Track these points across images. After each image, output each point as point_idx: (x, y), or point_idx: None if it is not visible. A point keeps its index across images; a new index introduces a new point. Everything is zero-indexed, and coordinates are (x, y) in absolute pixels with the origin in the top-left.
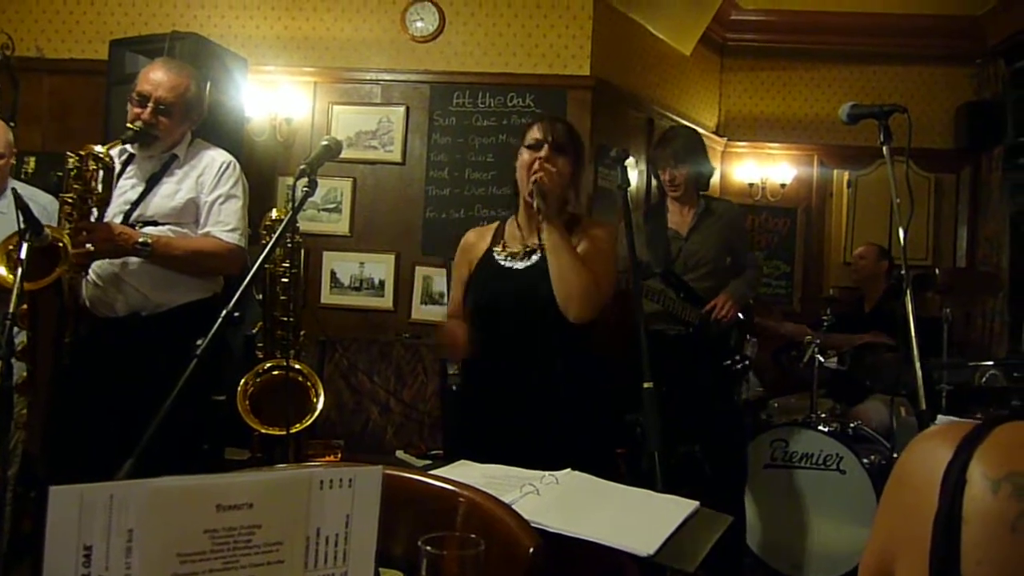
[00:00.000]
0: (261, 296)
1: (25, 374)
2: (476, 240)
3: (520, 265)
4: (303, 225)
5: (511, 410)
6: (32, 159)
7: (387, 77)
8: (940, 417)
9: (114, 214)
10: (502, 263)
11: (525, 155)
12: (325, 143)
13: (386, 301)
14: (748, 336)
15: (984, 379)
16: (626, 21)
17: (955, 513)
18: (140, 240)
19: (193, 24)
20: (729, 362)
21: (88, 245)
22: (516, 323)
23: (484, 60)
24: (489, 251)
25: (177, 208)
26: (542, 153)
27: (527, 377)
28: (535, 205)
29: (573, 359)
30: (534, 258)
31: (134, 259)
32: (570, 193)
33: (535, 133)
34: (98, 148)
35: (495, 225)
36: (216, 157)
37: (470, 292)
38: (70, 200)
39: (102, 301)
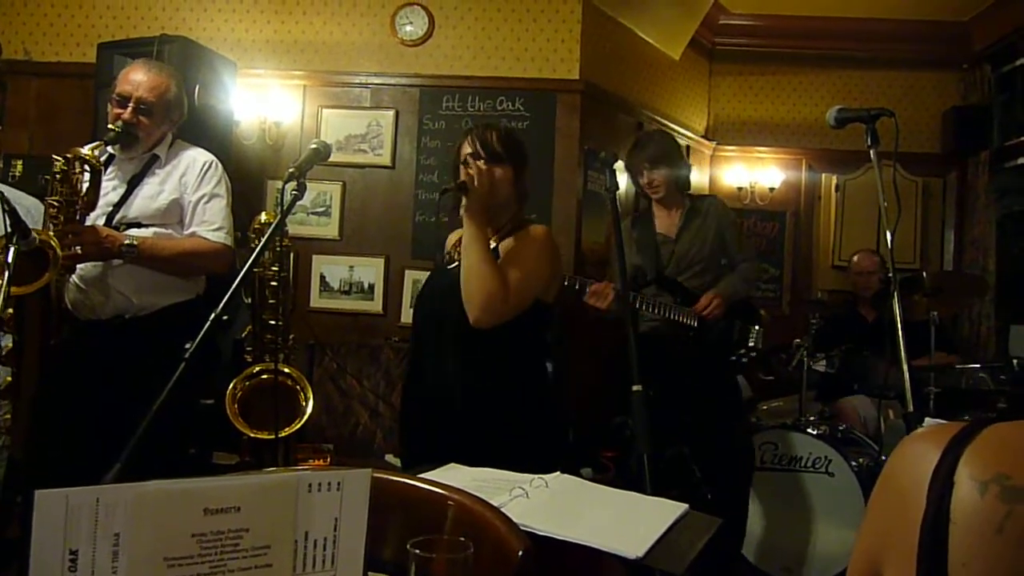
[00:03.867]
0: (250, 300)
1: (9, 378)
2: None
3: (452, 265)
4: (292, 229)
5: (464, 414)
6: (19, 163)
7: (376, 81)
8: (928, 420)
9: (96, 216)
10: (444, 265)
11: (462, 171)
12: (314, 146)
13: (375, 305)
14: (753, 326)
15: (971, 382)
16: (615, 25)
17: (942, 515)
18: (126, 242)
19: (182, 27)
20: (734, 357)
21: (76, 248)
22: (440, 323)
23: (473, 64)
24: (438, 259)
25: (161, 209)
26: (474, 169)
27: (481, 379)
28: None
29: (521, 356)
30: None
31: (118, 261)
32: (513, 198)
33: (466, 148)
34: (84, 150)
35: None
36: (197, 157)
37: (418, 299)
38: (56, 203)
39: (85, 304)
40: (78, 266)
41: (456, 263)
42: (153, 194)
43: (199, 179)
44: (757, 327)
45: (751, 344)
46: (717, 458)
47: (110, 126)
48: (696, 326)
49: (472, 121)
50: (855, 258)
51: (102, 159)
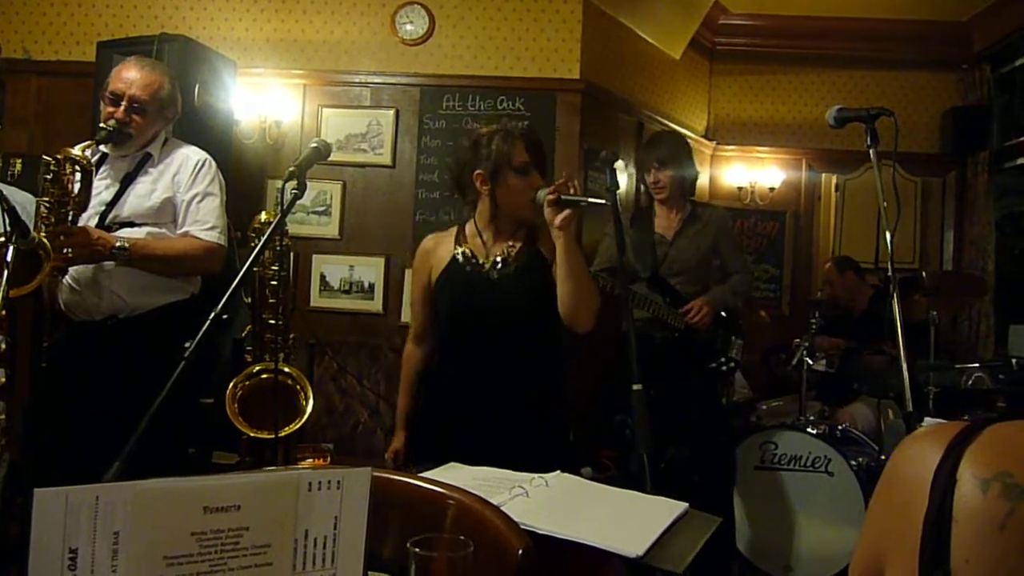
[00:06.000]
0: (250, 299)
1: (3, 379)
2: (435, 246)
3: (496, 274)
4: (292, 228)
5: (482, 411)
6: (19, 161)
7: (377, 80)
8: (927, 419)
9: (89, 216)
10: (476, 271)
11: (514, 179)
12: (314, 145)
13: (376, 304)
14: (734, 338)
15: (970, 381)
16: (615, 25)
17: (945, 513)
18: (117, 244)
19: (182, 26)
20: (715, 364)
21: (67, 250)
22: (498, 327)
23: (474, 63)
24: (455, 258)
25: (154, 208)
26: (537, 182)
27: (505, 378)
28: (558, 220)
29: (548, 360)
30: (507, 267)
31: (111, 262)
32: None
33: (521, 155)
34: (75, 151)
35: (453, 230)
36: (191, 155)
37: (442, 296)
38: (47, 204)
39: (79, 305)
40: (71, 267)
41: (502, 269)
42: (146, 193)
43: (192, 177)
44: (739, 340)
45: (732, 354)
46: (697, 462)
47: (102, 125)
48: (682, 328)
49: (473, 121)
50: (826, 266)
51: (94, 159)
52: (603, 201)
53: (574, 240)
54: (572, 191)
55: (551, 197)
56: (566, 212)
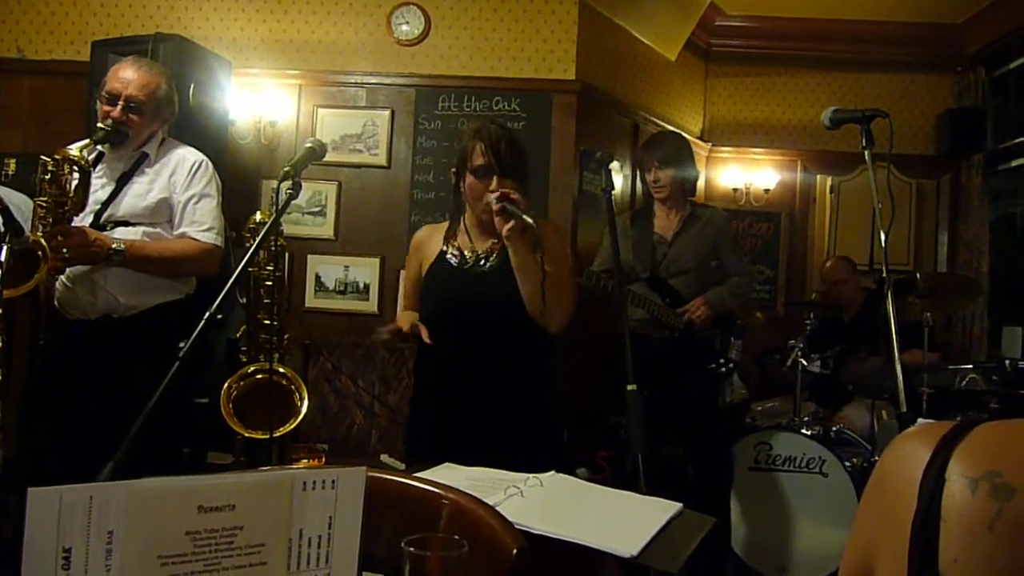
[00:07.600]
0: (244, 299)
1: (0, 378)
2: (427, 238)
3: (482, 268)
4: (287, 228)
5: (471, 409)
6: (13, 161)
7: (372, 80)
8: (920, 420)
9: (84, 215)
10: (461, 265)
11: (471, 180)
12: (309, 146)
13: (371, 305)
14: (732, 339)
15: (964, 382)
16: (611, 26)
17: (933, 512)
18: (113, 246)
19: (177, 26)
20: (714, 365)
21: (64, 251)
22: (481, 324)
23: (470, 64)
24: (443, 253)
25: (149, 208)
26: (492, 184)
27: (491, 376)
28: (504, 230)
29: (535, 358)
30: (491, 263)
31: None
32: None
33: (479, 158)
34: (73, 151)
35: (446, 224)
36: (187, 156)
37: (428, 292)
38: (44, 204)
39: (73, 303)
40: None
41: (487, 265)
42: (142, 192)
43: (189, 178)
44: (738, 341)
45: (731, 355)
46: (693, 462)
47: (99, 125)
48: (681, 328)
49: (468, 122)
50: (827, 265)
51: (91, 158)
52: (531, 222)
53: (525, 251)
54: (516, 203)
55: (496, 207)
56: (511, 223)
